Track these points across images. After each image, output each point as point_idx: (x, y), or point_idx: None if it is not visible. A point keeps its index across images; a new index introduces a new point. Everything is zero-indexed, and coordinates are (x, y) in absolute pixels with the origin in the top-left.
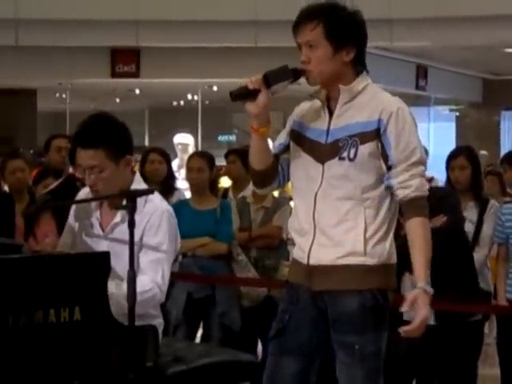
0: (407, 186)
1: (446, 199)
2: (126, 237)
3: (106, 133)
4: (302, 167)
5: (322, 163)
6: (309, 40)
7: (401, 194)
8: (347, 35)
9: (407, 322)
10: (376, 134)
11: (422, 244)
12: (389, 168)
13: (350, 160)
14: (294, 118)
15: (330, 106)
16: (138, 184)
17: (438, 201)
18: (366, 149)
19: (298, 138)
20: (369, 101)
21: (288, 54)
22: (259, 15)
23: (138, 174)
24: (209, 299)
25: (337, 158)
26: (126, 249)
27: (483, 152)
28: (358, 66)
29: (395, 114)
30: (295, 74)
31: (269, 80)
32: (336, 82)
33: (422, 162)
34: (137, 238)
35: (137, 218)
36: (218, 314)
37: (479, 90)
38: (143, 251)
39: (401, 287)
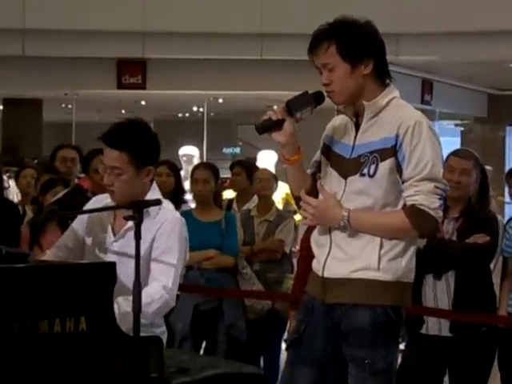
0: (411, 200)
1: (492, 222)
2: None
3: (133, 138)
4: (329, 181)
5: (345, 178)
6: (326, 62)
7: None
8: (362, 49)
9: (424, 336)
10: (394, 150)
11: (383, 218)
12: (402, 182)
13: (370, 176)
14: (327, 132)
15: (357, 121)
16: (153, 193)
17: (486, 221)
18: (385, 165)
19: (328, 152)
20: (391, 116)
21: (293, 67)
22: (265, 28)
23: (154, 184)
24: (216, 311)
25: (358, 174)
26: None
27: (488, 167)
28: (381, 76)
29: (411, 129)
30: (317, 99)
31: (291, 108)
32: (360, 97)
33: (433, 179)
34: (147, 244)
35: (149, 224)
36: (226, 326)
37: (484, 105)
38: (154, 257)
39: (422, 297)
